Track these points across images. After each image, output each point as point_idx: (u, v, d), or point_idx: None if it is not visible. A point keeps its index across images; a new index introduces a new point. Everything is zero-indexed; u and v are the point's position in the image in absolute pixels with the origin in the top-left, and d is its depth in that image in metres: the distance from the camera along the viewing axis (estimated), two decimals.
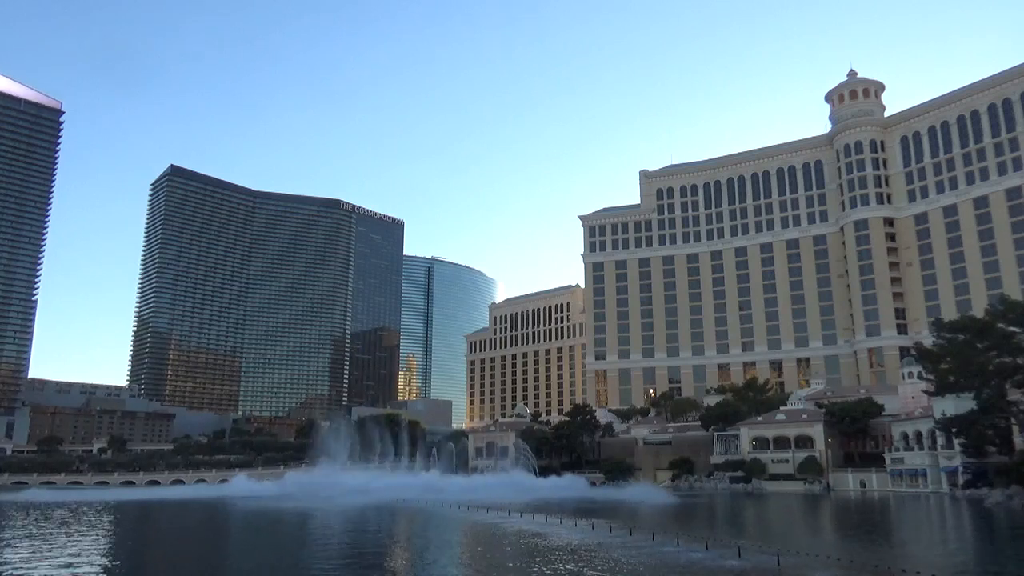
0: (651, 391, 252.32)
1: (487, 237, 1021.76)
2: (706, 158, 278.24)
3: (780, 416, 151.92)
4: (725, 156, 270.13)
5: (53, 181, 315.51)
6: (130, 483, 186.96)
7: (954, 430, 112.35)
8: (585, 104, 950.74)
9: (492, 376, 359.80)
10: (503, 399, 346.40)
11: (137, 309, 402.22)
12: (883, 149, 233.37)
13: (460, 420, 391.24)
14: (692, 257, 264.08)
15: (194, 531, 75.74)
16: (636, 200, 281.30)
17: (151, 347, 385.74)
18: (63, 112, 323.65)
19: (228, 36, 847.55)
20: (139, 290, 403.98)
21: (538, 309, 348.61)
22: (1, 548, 51.97)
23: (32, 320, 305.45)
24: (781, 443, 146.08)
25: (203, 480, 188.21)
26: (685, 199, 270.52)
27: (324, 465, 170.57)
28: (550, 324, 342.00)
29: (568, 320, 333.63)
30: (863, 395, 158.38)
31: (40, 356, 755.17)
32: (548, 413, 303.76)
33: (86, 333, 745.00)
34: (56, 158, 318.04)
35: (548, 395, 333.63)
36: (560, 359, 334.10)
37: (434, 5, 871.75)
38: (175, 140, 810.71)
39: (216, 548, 59.18)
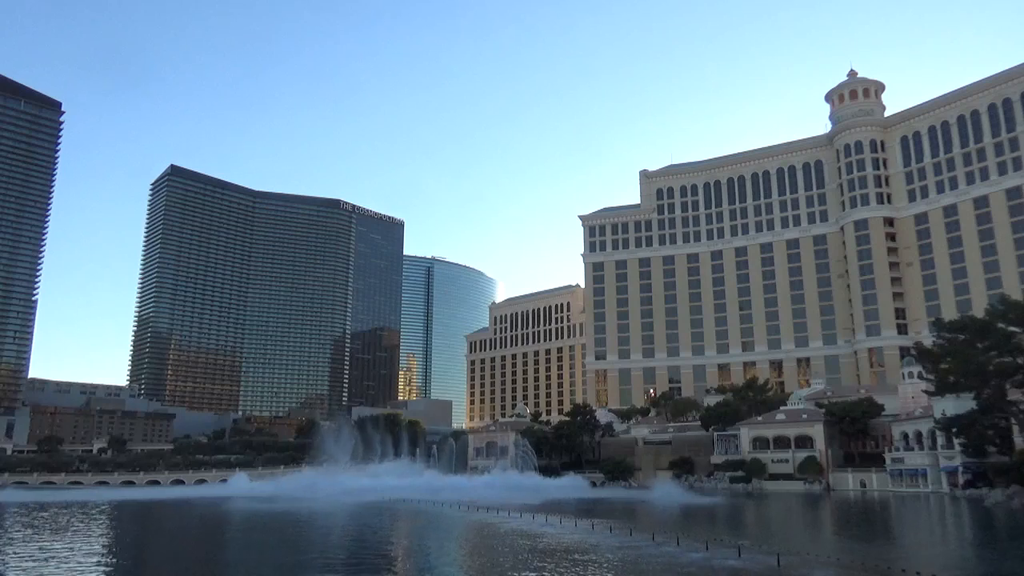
0: (651, 391, 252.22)
1: (487, 237, 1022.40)
2: (706, 158, 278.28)
3: (780, 416, 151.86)
4: (725, 156, 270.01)
5: (53, 181, 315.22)
6: (130, 483, 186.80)
7: (954, 430, 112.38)
8: (585, 104, 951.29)
9: (492, 376, 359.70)
10: (503, 399, 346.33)
11: (137, 309, 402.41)
12: (883, 149, 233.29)
13: (460, 420, 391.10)
14: (692, 257, 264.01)
15: (189, 532, 75.66)
16: (636, 200, 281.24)
17: (151, 347, 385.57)
18: (63, 112, 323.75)
19: (228, 36, 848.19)
20: (139, 290, 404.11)
21: (538, 309, 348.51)
22: None
23: (32, 320, 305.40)
24: (781, 443, 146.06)
25: (203, 480, 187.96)
26: (685, 199, 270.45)
27: (324, 465, 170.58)
28: (550, 324, 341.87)
29: (568, 320, 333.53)
30: (863, 395, 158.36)
31: (40, 356, 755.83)
32: (548, 413, 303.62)
33: (86, 333, 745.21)
34: (56, 158, 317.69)
35: (548, 395, 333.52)
36: (560, 359, 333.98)
37: (434, 5, 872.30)
38: (175, 140, 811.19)
39: (211, 548, 59.13)
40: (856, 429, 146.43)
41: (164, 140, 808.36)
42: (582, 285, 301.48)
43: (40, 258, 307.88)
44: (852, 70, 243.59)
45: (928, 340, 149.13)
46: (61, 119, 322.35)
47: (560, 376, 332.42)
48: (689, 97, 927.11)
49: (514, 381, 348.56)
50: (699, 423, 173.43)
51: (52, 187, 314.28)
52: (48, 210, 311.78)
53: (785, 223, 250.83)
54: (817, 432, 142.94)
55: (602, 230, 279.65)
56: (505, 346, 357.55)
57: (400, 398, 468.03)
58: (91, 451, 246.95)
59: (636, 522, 71.71)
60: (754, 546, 48.01)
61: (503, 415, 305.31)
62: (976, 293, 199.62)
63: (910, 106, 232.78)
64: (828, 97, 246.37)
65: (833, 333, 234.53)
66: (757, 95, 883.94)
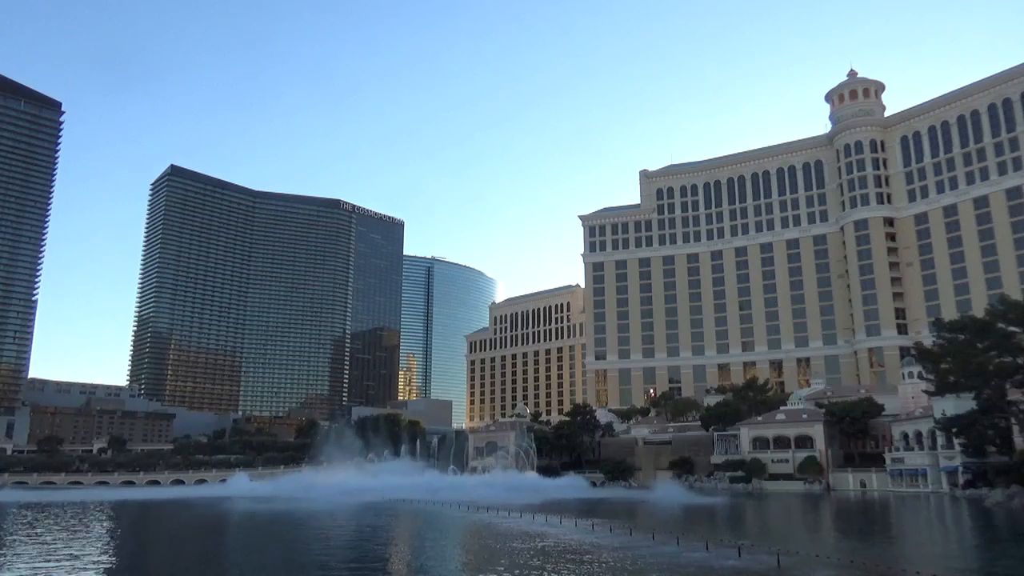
0: (651, 391, 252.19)
1: (487, 237, 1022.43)
2: (706, 158, 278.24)
3: (780, 416, 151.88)
4: (725, 156, 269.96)
5: (53, 181, 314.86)
6: (130, 483, 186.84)
7: (954, 430, 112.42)
8: (585, 104, 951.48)
9: (492, 376, 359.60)
10: (503, 399, 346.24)
11: (137, 309, 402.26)
12: (883, 149, 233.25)
13: (460, 420, 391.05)
14: (692, 257, 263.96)
15: (189, 532, 75.61)
16: (636, 200, 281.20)
17: (151, 347, 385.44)
18: (63, 112, 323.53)
19: (228, 36, 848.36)
20: (139, 290, 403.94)
21: (538, 309, 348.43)
22: None
23: (32, 320, 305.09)
24: (781, 443, 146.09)
25: (203, 480, 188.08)
26: (685, 199, 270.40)
27: (324, 465, 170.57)
28: (550, 324, 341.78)
29: (568, 320, 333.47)
30: (863, 395, 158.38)
31: (40, 356, 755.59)
32: (548, 413, 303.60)
33: (86, 333, 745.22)
34: (56, 158, 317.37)
35: (548, 395, 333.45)
36: (560, 359, 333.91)
37: (434, 5, 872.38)
38: (175, 140, 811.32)
39: (210, 548, 59.13)
40: (856, 429, 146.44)
41: (164, 140, 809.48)
42: (582, 285, 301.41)
43: (40, 258, 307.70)
44: (852, 70, 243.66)
45: (928, 340, 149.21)
46: (61, 119, 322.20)
47: (560, 376, 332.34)
48: (689, 97, 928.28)
49: (514, 381, 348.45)
50: (699, 423, 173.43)
51: (52, 187, 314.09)
52: (48, 210, 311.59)
53: (785, 223, 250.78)
54: (817, 432, 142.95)
55: (602, 230, 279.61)
56: (505, 346, 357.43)
57: (400, 398, 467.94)
58: (91, 451, 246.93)
59: (636, 522, 71.70)
60: (754, 546, 47.99)
61: (503, 415, 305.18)
62: (976, 293, 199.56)
63: (910, 106, 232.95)
64: (828, 97, 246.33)
65: (833, 333, 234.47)
66: (757, 95, 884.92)
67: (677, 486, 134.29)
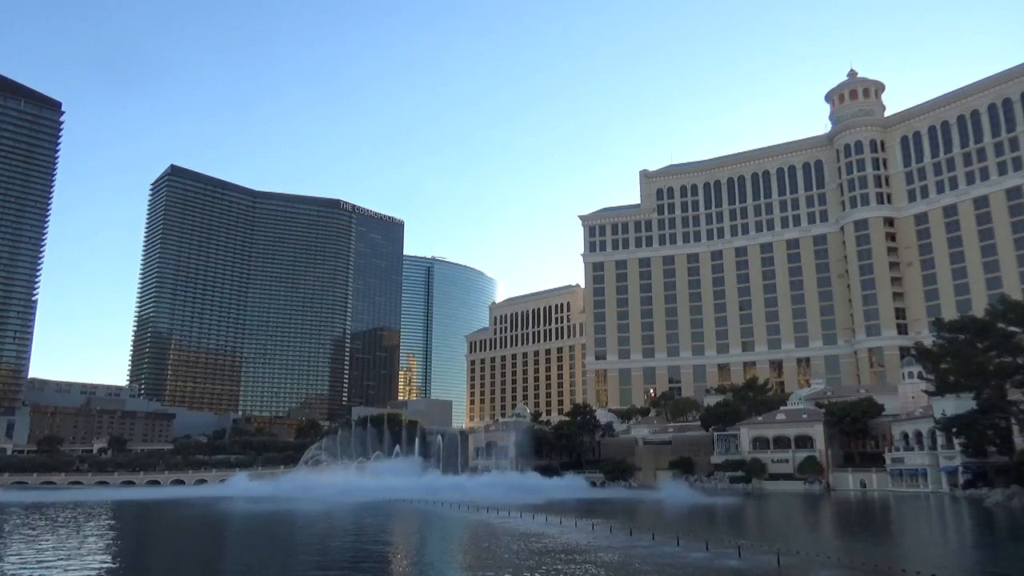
0: (651, 391, 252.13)
1: (487, 237, 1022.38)
2: (706, 158, 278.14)
3: (780, 416, 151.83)
4: (725, 156, 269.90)
5: (53, 181, 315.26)
6: (130, 483, 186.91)
7: (954, 430, 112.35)
8: (585, 104, 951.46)
9: (492, 376, 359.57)
10: (503, 399, 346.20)
11: (137, 309, 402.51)
12: (883, 149, 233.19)
13: (460, 420, 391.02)
14: (692, 257, 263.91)
15: (188, 532, 75.59)
16: (636, 200, 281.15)
17: (151, 347, 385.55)
18: (63, 112, 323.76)
19: (228, 36, 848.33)
20: (139, 290, 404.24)
21: (538, 309, 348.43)
22: None
23: (32, 320, 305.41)
24: (781, 443, 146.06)
25: (203, 480, 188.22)
26: (685, 199, 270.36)
27: (324, 465, 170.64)
28: (550, 324, 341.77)
29: (568, 320, 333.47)
30: (863, 395, 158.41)
31: (40, 356, 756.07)
32: (548, 413, 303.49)
33: (86, 333, 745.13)
34: (56, 158, 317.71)
35: (548, 395, 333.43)
36: (560, 359, 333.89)
37: (434, 5, 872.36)
38: (175, 140, 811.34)
39: (210, 548, 59.11)
40: (856, 429, 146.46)
41: (164, 140, 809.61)
42: (582, 285, 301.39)
43: (40, 258, 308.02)
44: (852, 70, 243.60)
45: (928, 340, 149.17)
46: (61, 119, 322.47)
47: (560, 376, 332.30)
48: (689, 97, 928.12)
49: (514, 381, 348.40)
50: (699, 423, 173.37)
51: (52, 187, 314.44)
52: (48, 210, 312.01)
53: (785, 223, 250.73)
54: (817, 432, 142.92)
55: (602, 230, 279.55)
56: (505, 346, 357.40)
57: (400, 398, 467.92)
58: (91, 451, 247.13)
59: (636, 522, 71.67)
60: (754, 546, 47.98)
61: (503, 415, 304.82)
62: (976, 293, 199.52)
63: (910, 106, 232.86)
64: (828, 97, 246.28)
65: (833, 333, 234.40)
66: (757, 95, 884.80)
67: (683, 486, 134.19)
